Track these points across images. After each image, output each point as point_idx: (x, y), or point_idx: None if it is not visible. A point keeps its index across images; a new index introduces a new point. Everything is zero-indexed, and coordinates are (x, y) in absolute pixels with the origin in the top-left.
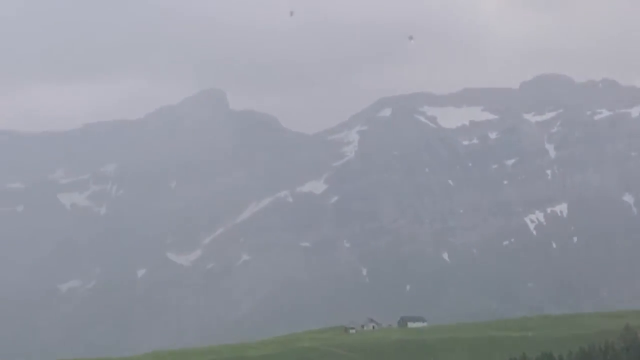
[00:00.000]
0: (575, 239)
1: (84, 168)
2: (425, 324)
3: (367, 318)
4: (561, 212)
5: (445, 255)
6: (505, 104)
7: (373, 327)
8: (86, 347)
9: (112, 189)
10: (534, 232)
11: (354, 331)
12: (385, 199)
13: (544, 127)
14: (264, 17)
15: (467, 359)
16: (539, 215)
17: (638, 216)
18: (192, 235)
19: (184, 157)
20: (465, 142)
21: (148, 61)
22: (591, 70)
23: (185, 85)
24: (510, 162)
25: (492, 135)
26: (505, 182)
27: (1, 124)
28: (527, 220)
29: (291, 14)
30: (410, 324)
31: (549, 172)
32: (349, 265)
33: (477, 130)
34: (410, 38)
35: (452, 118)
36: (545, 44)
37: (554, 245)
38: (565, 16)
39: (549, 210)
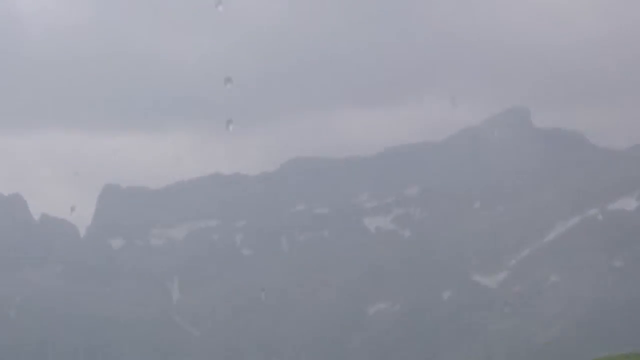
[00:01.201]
0: None
1: (387, 191)
2: None
3: None
4: None
5: None
6: None
7: None
8: None
9: (416, 211)
10: None
11: None
12: None
13: None
14: (561, 28)
15: None
16: None
17: None
18: (498, 256)
19: (488, 177)
20: None
21: (449, 82)
22: None
23: (488, 105)
24: None
25: None
26: None
27: (309, 150)
28: None
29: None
30: None
31: None
32: None
33: None
34: None
35: None
36: None
37: None
38: None
39: None
